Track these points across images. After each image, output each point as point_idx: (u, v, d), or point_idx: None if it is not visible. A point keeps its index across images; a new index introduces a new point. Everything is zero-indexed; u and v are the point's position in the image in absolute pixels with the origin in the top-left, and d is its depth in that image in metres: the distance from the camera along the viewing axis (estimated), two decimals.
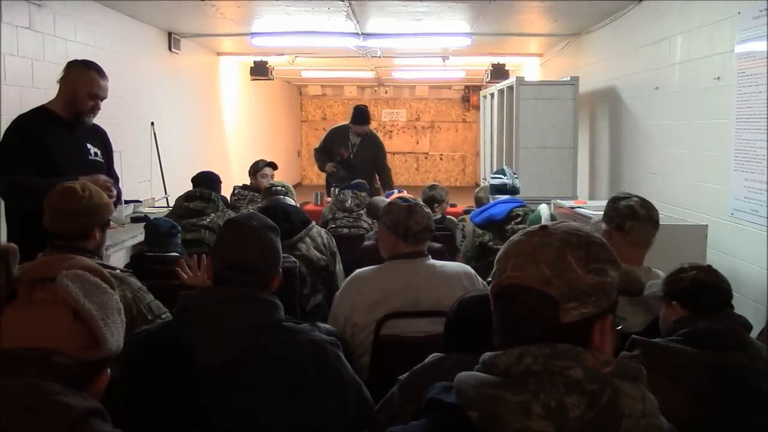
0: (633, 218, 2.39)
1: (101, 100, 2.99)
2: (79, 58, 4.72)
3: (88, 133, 3.04)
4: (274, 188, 3.83)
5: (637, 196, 2.50)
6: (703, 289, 1.83)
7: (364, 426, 1.72)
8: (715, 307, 1.81)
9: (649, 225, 2.42)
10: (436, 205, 4.52)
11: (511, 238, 1.03)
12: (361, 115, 6.24)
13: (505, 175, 3.95)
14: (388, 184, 6.18)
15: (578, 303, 0.93)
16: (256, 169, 5.35)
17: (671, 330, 1.78)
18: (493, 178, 4.05)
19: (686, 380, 1.57)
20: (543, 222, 3.66)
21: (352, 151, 6.26)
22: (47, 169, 2.78)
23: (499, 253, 1.02)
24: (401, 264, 2.45)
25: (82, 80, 2.93)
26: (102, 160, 3.08)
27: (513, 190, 3.85)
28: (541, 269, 0.94)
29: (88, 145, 3.01)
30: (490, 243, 3.56)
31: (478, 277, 2.49)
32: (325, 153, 6.39)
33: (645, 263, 2.43)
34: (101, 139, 3.16)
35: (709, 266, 1.94)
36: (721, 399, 1.55)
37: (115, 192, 2.84)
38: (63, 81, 2.96)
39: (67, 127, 2.94)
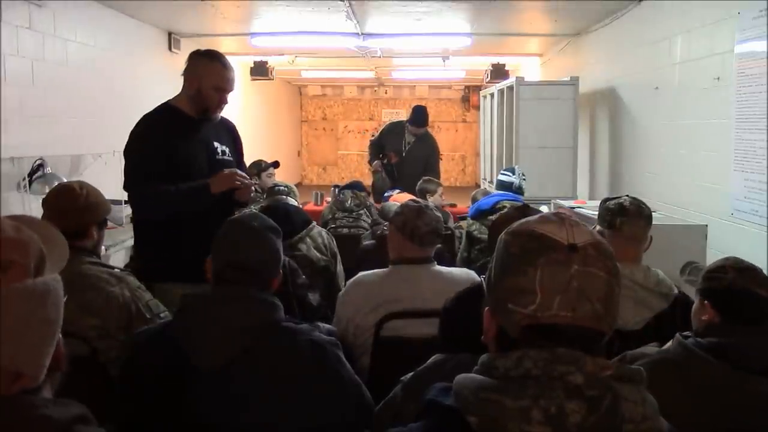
0: (622, 214, 2.40)
1: (227, 93, 2.77)
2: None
3: (215, 129, 2.84)
4: (277, 188, 3.87)
5: (627, 196, 2.50)
6: (739, 298, 1.69)
7: (364, 426, 1.72)
8: (752, 319, 1.66)
9: (640, 219, 2.41)
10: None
11: (529, 260, 0.90)
12: (417, 116, 6.09)
13: (513, 173, 4.07)
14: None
15: (612, 327, 0.92)
16: (260, 169, 5.35)
17: (701, 332, 1.67)
18: (501, 174, 4.17)
19: (707, 393, 1.53)
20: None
21: (404, 148, 6.15)
22: (173, 172, 2.61)
23: (522, 279, 0.90)
24: (407, 269, 2.42)
25: (207, 73, 2.69)
26: (230, 159, 2.88)
27: (518, 190, 3.99)
28: (596, 308, 0.88)
29: (216, 144, 2.81)
30: (476, 232, 3.68)
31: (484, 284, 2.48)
32: (378, 147, 6.32)
33: (645, 262, 2.43)
34: (229, 133, 2.95)
35: (755, 269, 1.75)
36: (734, 422, 1.51)
37: (246, 182, 2.71)
38: (186, 75, 2.74)
39: (193, 125, 2.74)
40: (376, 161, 6.25)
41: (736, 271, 1.73)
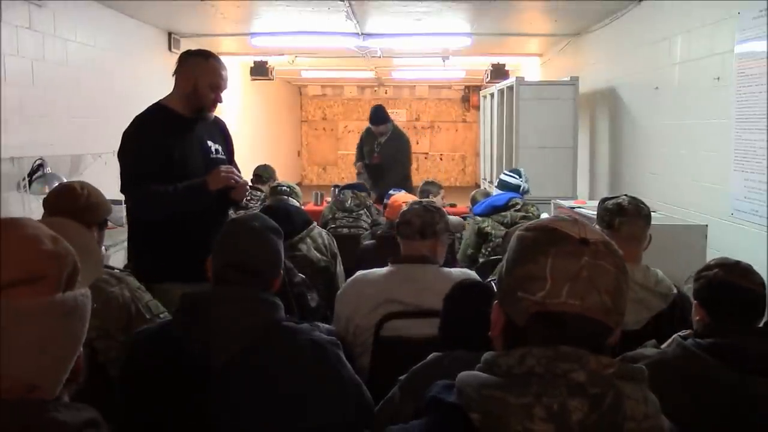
0: (621, 214, 2.40)
1: (222, 91, 2.75)
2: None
3: (207, 128, 2.82)
4: (279, 188, 3.88)
5: (626, 195, 2.50)
6: (722, 289, 1.70)
7: (364, 426, 1.71)
8: (739, 314, 1.67)
9: (639, 219, 2.41)
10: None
11: (541, 249, 0.91)
12: (374, 115, 6.34)
13: (521, 176, 4.17)
14: (392, 183, 5.33)
15: (620, 325, 0.93)
16: (270, 176, 5.32)
17: (698, 333, 1.69)
18: (506, 175, 4.23)
19: (706, 393, 1.54)
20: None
21: (376, 150, 6.34)
22: (169, 173, 2.58)
23: (533, 267, 0.91)
24: (405, 269, 2.43)
25: (204, 72, 2.68)
26: (224, 156, 2.86)
27: (525, 194, 4.09)
28: (604, 299, 0.89)
29: (209, 143, 2.80)
30: (488, 228, 3.70)
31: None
32: (361, 150, 6.59)
33: (645, 262, 2.43)
34: (220, 131, 2.93)
35: (738, 263, 1.76)
36: (733, 422, 1.52)
37: (240, 179, 2.68)
38: (180, 75, 2.72)
39: (187, 124, 2.72)
40: (359, 162, 6.50)
41: (719, 267, 1.76)
